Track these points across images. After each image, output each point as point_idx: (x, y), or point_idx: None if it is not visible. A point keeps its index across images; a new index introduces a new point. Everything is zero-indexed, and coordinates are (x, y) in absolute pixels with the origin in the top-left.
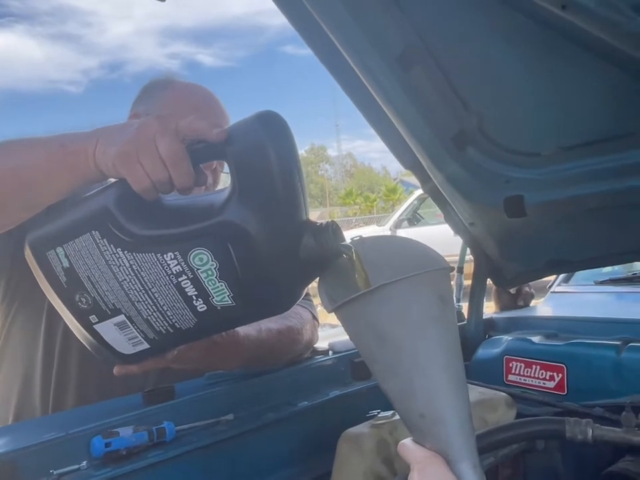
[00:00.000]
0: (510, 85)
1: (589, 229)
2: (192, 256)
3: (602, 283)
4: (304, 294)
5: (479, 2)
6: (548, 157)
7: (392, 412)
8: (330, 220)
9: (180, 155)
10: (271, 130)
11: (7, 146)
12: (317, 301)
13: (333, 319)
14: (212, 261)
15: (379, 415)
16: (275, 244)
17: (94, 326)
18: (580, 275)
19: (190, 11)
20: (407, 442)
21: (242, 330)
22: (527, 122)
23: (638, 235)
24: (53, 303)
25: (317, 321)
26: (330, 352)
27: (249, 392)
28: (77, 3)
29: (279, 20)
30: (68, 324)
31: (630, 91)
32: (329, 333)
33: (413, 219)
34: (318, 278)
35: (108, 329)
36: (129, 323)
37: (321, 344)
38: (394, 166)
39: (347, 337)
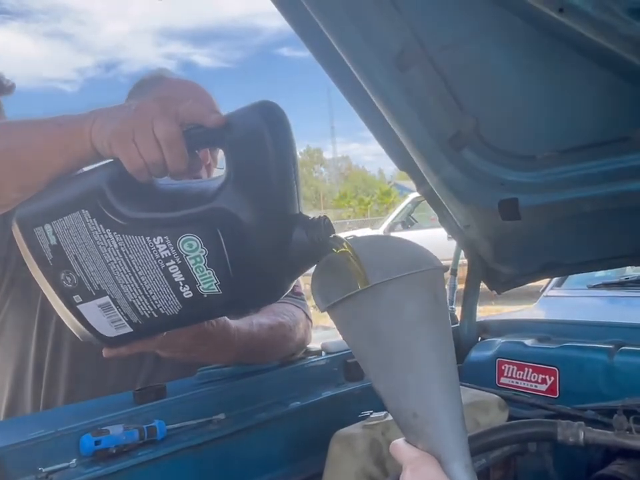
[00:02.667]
0: (506, 87)
1: (583, 232)
2: (181, 241)
3: (595, 287)
4: (292, 287)
5: (476, 4)
6: (543, 160)
7: (384, 413)
8: (322, 215)
9: (176, 138)
10: (269, 120)
11: (2, 127)
12: (310, 303)
13: (325, 320)
14: (201, 247)
15: (372, 416)
16: (265, 235)
17: (77, 306)
18: (573, 279)
19: (186, 11)
20: (399, 442)
21: (233, 322)
22: (522, 125)
23: (631, 239)
24: (37, 281)
25: (310, 320)
26: (323, 352)
27: (241, 391)
28: (71, 2)
29: (275, 22)
30: (51, 302)
31: (625, 95)
32: (322, 335)
33: (407, 222)
34: (311, 277)
35: (91, 310)
36: (113, 305)
37: (314, 345)
38: (389, 169)
39: (339, 338)
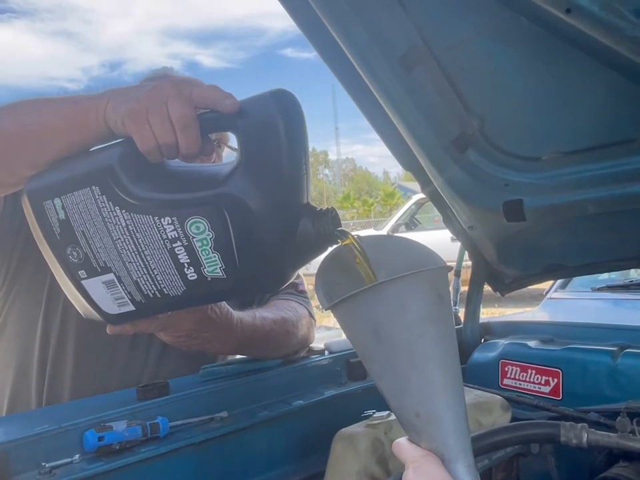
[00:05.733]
0: (512, 88)
1: (587, 234)
2: (189, 223)
3: (599, 289)
4: (296, 285)
5: (482, 4)
6: (548, 161)
7: (387, 412)
8: (330, 207)
9: (189, 120)
10: (284, 109)
11: (20, 104)
12: (314, 302)
13: (328, 320)
14: (208, 230)
15: (374, 415)
16: (273, 222)
17: (82, 281)
18: (577, 281)
19: (190, 11)
20: (402, 441)
21: (236, 313)
22: (528, 126)
23: (636, 242)
24: (43, 254)
25: (314, 319)
26: (326, 352)
27: (244, 390)
28: (76, 1)
29: (279, 23)
30: (56, 277)
31: (631, 97)
32: (325, 335)
33: (411, 223)
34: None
35: (95, 286)
36: (117, 283)
37: (317, 345)
38: (393, 170)
39: (342, 338)
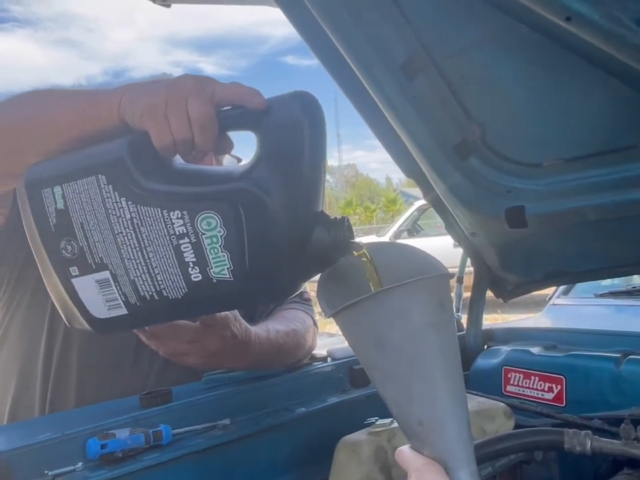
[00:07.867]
0: (513, 95)
1: (589, 240)
2: (200, 218)
3: (601, 295)
4: (301, 293)
5: (482, 12)
6: (549, 168)
7: (390, 419)
8: (345, 216)
9: (209, 121)
10: (309, 111)
11: (33, 93)
12: (317, 309)
13: (331, 327)
14: (220, 227)
15: (377, 422)
16: (289, 226)
17: (72, 279)
18: (579, 287)
19: (192, 19)
20: (405, 449)
21: (252, 328)
22: (529, 133)
23: (638, 248)
24: (32, 247)
25: (317, 327)
26: (329, 359)
27: (247, 397)
28: (80, 10)
29: (280, 30)
30: (42, 273)
31: (632, 104)
32: (327, 342)
33: (413, 229)
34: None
35: (86, 285)
36: (112, 282)
37: (320, 351)
38: (395, 176)
39: (345, 345)
